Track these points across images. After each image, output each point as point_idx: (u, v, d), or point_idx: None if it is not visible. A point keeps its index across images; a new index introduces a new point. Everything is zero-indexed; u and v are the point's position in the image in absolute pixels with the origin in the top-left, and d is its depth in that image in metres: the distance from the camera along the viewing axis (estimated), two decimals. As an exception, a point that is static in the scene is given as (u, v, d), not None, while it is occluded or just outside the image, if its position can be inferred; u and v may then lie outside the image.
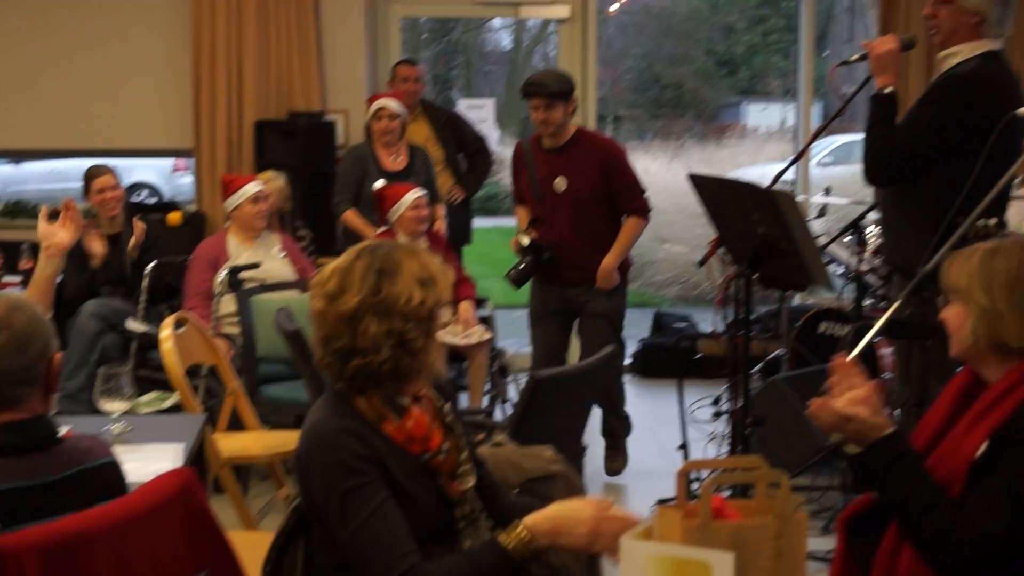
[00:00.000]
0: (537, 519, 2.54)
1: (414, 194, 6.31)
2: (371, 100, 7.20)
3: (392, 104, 7.05)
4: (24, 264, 6.66)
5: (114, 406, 3.65)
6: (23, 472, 2.40)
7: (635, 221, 6.00)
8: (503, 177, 15.11)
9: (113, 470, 2.60)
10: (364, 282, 2.56)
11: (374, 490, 2.51)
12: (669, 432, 6.18)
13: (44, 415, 2.52)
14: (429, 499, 2.60)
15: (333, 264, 2.64)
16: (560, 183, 5.91)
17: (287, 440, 5.00)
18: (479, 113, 8.73)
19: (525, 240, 6.00)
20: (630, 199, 5.95)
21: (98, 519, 2.40)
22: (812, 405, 2.67)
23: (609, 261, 5.97)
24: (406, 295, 2.55)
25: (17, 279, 6.62)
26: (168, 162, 14.89)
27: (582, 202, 5.90)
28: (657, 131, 19.98)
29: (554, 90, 5.75)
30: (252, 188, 6.36)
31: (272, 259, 6.35)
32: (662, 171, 14.23)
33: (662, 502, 4.64)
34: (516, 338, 8.47)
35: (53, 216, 4.10)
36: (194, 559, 2.57)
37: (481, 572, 2.49)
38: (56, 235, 4.05)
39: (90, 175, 6.68)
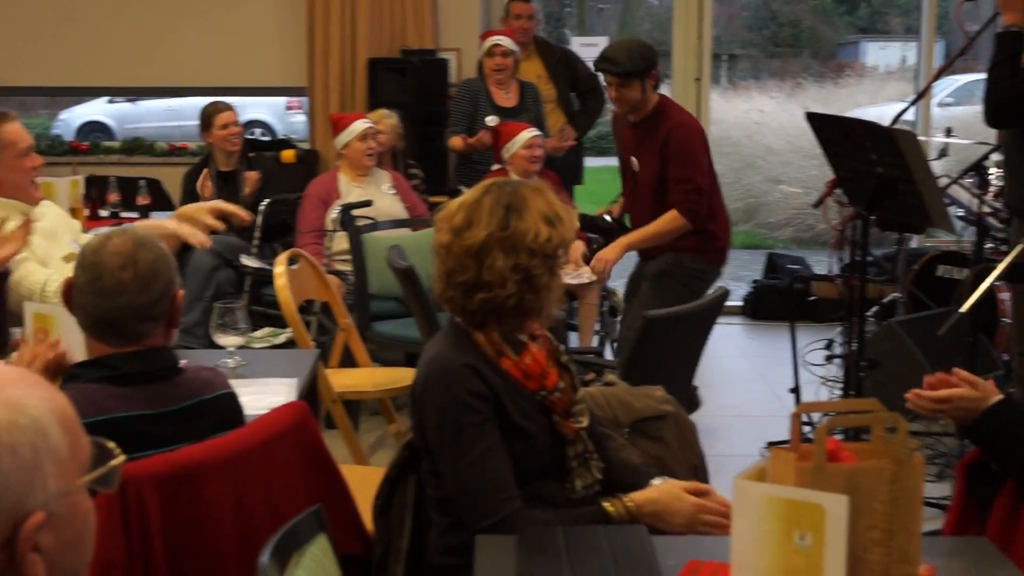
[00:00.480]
0: (641, 500, 2.58)
1: (528, 133, 6.29)
2: (484, 36, 7.20)
3: (505, 41, 7.04)
4: (141, 200, 6.78)
5: (229, 340, 3.71)
6: (143, 401, 2.46)
7: (673, 216, 5.22)
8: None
9: (231, 402, 2.65)
10: (492, 217, 2.57)
11: (486, 431, 2.53)
12: (780, 375, 6.13)
13: (165, 347, 2.57)
14: (543, 436, 2.61)
15: (459, 199, 2.66)
16: (635, 162, 5.44)
17: (398, 377, 5.05)
18: (592, 52, 8.65)
19: (607, 217, 5.94)
20: (675, 192, 5.21)
21: (215, 450, 2.45)
22: (908, 396, 2.67)
23: (608, 252, 5.33)
24: (533, 231, 2.56)
25: (135, 215, 6.74)
26: (281, 100, 15.04)
27: (648, 186, 5.34)
28: (773, 70, 19.67)
29: (627, 69, 5.14)
30: (360, 126, 6.39)
31: (383, 197, 6.39)
32: (778, 111, 14.04)
33: (772, 444, 4.60)
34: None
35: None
36: (307, 491, 2.62)
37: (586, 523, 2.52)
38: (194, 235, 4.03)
39: (211, 112, 6.76)
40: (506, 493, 2.52)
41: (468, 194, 2.66)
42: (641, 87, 5.18)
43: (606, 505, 2.58)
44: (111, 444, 1.37)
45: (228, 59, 8.25)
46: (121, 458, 1.37)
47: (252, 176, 6.68)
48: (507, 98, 7.06)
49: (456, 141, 7.05)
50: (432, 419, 2.57)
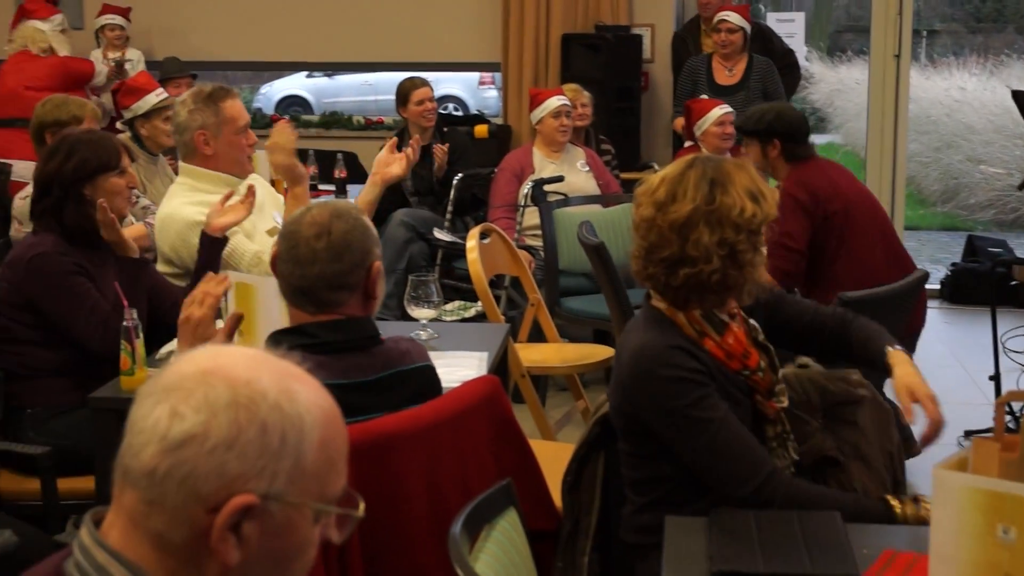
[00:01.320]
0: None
1: (720, 110, 6.21)
2: (704, 9, 7.34)
3: (733, 17, 7.02)
4: (338, 172, 6.91)
5: (422, 313, 3.77)
6: (340, 371, 2.51)
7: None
8: (810, 92, 14.73)
9: (429, 374, 2.68)
10: (697, 191, 2.53)
11: (715, 401, 2.50)
12: (979, 361, 5.93)
13: (364, 317, 2.62)
14: (745, 416, 2.58)
15: (660, 173, 2.63)
16: None
17: (586, 353, 5.05)
18: (788, 27, 8.49)
19: None
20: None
21: (409, 420, 2.48)
22: None
23: None
24: (739, 206, 2.52)
25: (331, 188, 6.88)
26: (474, 76, 15.15)
27: None
28: (975, 46, 19.00)
29: (744, 127, 4.91)
30: (555, 102, 6.40)
31: (576, 173, 6.39)
32: (979, 88, 13.55)
33: (971, 433, 4.46)
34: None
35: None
36: (498, 465, 2.63)
37: (861, 513, 2.46)
38: (391, 165, 4.18)
39: (408, 87, 6.84)
40: (759, 453, 2.50)
41: (669, 168, 2.62)
42: (761, 150, 4.83)
43: (894, 504, 2.52)
44: (359, 498, 1.37)
45: (423, 34, 8.35)
46: (359, 513, 1.36)
47: (440, 149, 6.75)
48: (730, 75, 7.04)
49: (678, 122, 7.08)
50: (652, 404, 2.53)
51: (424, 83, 6.85)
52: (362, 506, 1.36)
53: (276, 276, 2.63)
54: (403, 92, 6.84)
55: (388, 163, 4.19)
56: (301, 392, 1.32)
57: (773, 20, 8.83)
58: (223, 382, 1.28)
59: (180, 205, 4.05)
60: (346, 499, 1.35)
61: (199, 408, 1.26)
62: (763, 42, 7.57)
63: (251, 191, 3.91)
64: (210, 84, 4.26)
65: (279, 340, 2.55)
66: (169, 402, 1.27)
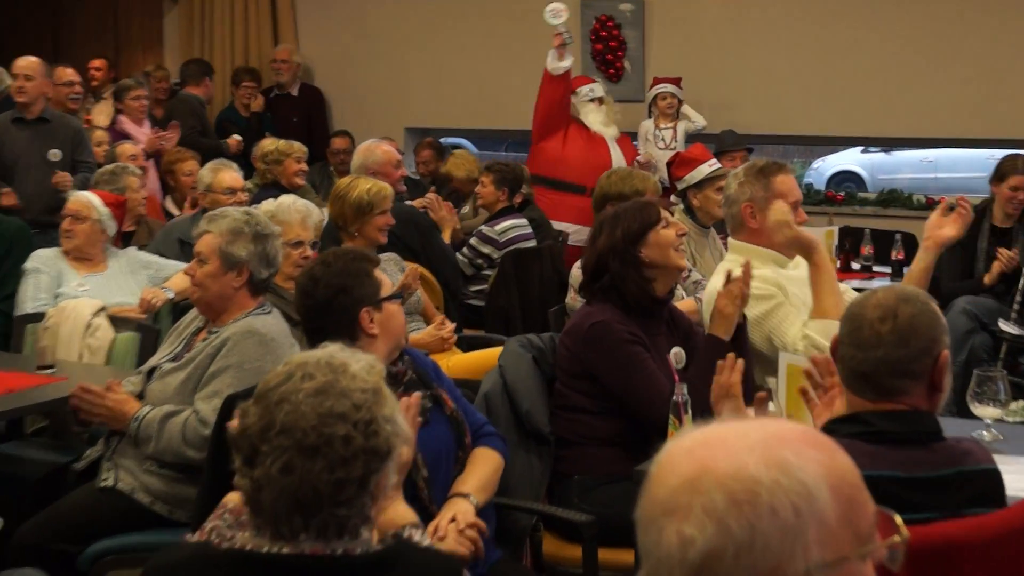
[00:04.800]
0: None
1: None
2: None
3: None
4: (896, 254, 6.77)
5: (986, 412, 3.60)
6: (899, 463, 2.45)
7: None
8: None
9: (994, 478, 2.57)
10: None
11: None
12: None
13: (928, 410, 2.56)
14: None
15: None
16: None
17: None
18: None
19: None
20: None
21: (975, 528, 2.38)
22: None
23: None
24: None
25: (887, 270, 6.76)
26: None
27: None
28: None
29: None
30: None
31: None
32: None
33: None
34: None
35: (948, 210, 4.15)
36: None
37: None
38: (942, 228, 4.08)
39: (1008, 167, 6.53)
40: None
41: None
42: None
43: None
44: (898, 520, 1.35)
45: (992, 108, 8.03)
46: (903, 537, 1.35)
47: None
48: None
49: None
50: None
51: None
52: (903, 528, 1.34)
53: (835, 360, 2.62)
54: (1002, 170, 6.57)
55: (940, 225, 4.07)
56: (791, 457, 1.30)
57: None
58: (714, 485, 1.28)
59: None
60: (883, 523, 1.33)
61: (703, 525, 1.27)
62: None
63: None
64: (764, 159, 4.32)
65: (834, 428, 2.54)
66: (672, 526, 1.28)
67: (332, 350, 2.10)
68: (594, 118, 8.21)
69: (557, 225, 7.56)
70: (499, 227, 6.90)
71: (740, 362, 3.20)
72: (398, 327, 3.29)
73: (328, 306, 3.19)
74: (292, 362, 2.06)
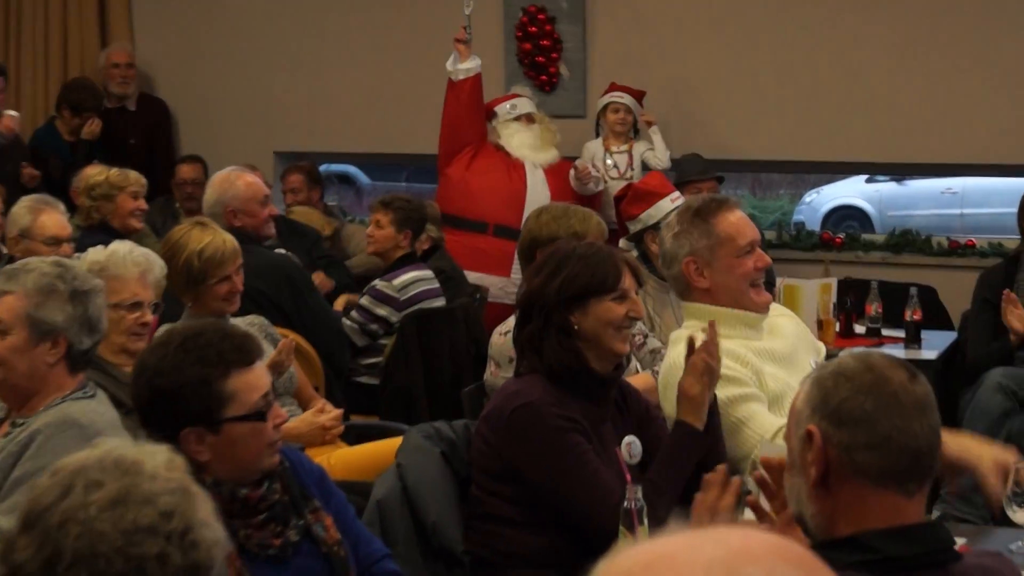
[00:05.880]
0: None
1: None
2: None
3: None
4: (911, 313, 6.77)
5: (1022, 517, 3.63)
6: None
7: None
8: None
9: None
10: None
11: None
12: None
13: (936, 523, 2.57)
14: None
15: None
16: None
17: None
18: None
19: None
20: None
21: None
22: None
23: None
24: None
25: (900, 333, 6.79)
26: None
27: None
28: None
29: None
30: None
31: None
32: None
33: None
34: None
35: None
36: None
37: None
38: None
39: None
40: None
41: None
42: None
43: None
44: None
45: (1018, 125, 8.11)
46: None
47: None
48: None
49: None
50: None
51: None
52: None
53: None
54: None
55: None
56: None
57: None
58: None
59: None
60: None
61: None
62: None
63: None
64: (700, 196, 4.34)
65: (828, 558, 2.53)
66: None
67: (113, 446, 2.05)
68: (520, 140, 8.23)
69: (473, 277, 7.57)
70: (398, 281, 6.87)
71: (736, 481, 3.15)
72: (248, 454, 3.22)
73: (145, 414, 3.15)
74: (65, 469, 2.00)
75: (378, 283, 6.93)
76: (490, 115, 8.37)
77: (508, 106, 8.39)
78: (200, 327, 3.39)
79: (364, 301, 6.88)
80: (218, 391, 3.16)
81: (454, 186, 8.20)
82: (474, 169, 8.18)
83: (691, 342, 3.81)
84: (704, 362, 3.75)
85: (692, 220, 4.22)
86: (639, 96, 8.51)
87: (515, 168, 8.16)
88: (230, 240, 5.21)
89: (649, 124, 8.47)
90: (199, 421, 3.14)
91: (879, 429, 2.52)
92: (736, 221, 4.25)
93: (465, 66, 8.20)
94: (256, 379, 3.22)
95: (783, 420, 3.94)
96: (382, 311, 6.83)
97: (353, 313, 6.88)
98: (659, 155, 8.35)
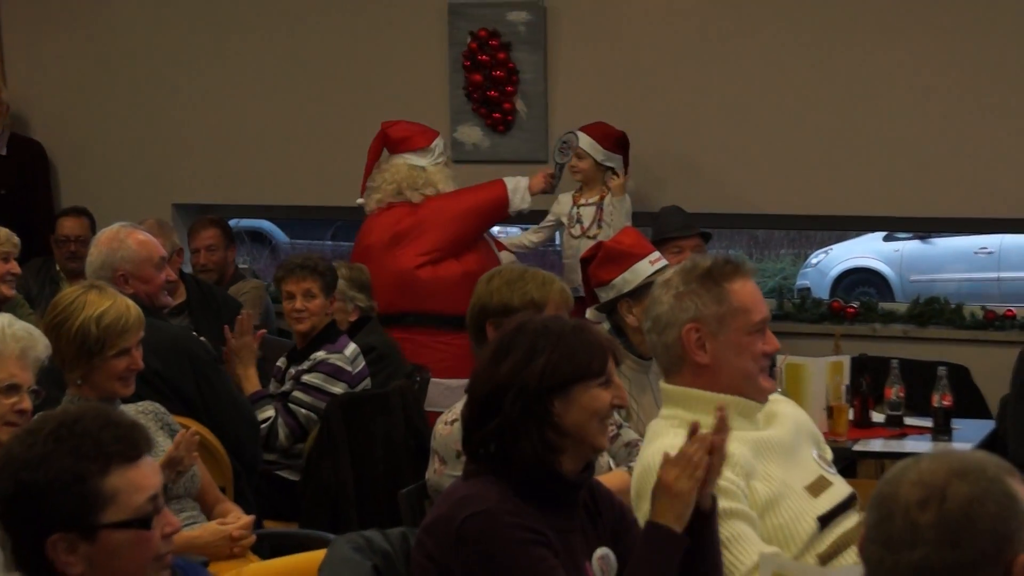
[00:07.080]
0: None
1: None
2: None
3: None
4: (940, 399, 6.80)
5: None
6: None
7: None
8: None
9: None
10: None
11: None
12: None
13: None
14: None
15: None
16: None
17: None
18: None
19: None
20: None
21: None
22: None
23: None
24: None
25: (926, 423, 6.82)
26: None
27: None
28: None
29: None
30: None
31: None
32: None
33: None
34: None
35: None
36: None
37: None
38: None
39: None
40: None
41: None
42: None
43: None
44: None
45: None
46: None
47: None
48: None
49: None
50: None
51: None
52: None
53: (863, 562, 2.62)
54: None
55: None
56: None
57: None
58: None
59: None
60: None
61: None
62: None
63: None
64: (708, 256, 4.33)
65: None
66: None
67: None
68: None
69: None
70: (349, 352, 6.86)
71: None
72: (129, 569, 3.15)
73: (8, 515, 3.12)
74: None
75: (331, 357, 6.87)
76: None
77: (433, 146, 8.40)
78: (79, 412, 3.32)
79: (313, 379, 6.82)
80: (94, 490, 3.10)
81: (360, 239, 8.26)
82: (382, 215, 8.20)
83: (694, 429, 3.76)
84: (701, 453, 3.70)
85: (701, 281, 4.17)
86: (612, 137, 8.49)
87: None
88: (134, 307, 5.20)
89: (616, 193, 8.41)
90: (71, 526, 3.09)
91: (868, 553, 2.60)
92: (753, 292, 4.22)
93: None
94: (142, 477, 3.17)
95: (768, 547, 3.94)
96: (337, 389, 6.78)
97: (299, 394, 6.81)
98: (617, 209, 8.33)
